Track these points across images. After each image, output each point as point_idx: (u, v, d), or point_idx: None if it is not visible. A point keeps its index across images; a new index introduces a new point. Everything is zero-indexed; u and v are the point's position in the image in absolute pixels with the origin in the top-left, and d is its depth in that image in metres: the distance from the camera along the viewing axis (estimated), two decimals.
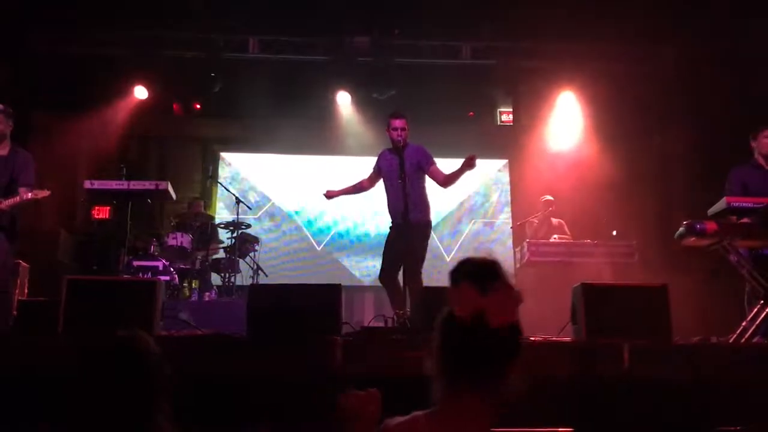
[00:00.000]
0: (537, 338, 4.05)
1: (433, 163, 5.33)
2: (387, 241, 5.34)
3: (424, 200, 5.30)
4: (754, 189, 4.98)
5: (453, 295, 1.45)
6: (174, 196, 5.57)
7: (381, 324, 4.75)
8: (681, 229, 4.53)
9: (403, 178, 4.91)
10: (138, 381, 1.62)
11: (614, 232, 7.86)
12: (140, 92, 8.78)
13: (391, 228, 5.35)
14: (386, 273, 5.22)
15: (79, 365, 1.65)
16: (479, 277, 1.43)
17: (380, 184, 5.53)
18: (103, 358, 1.65)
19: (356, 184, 5.65)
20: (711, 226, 4.41)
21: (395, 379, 3.42)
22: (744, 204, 4.59)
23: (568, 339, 4.11)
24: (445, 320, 1.45)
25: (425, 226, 5.25)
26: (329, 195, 5.60)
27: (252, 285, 5.75)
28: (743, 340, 4.20)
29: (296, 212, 9.67)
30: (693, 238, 4.48)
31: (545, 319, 7.00)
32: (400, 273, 5.01)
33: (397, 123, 5.21)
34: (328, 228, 9.64)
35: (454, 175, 5.22)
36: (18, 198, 4.79)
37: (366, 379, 3.41)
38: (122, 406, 1.59)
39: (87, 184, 5.22)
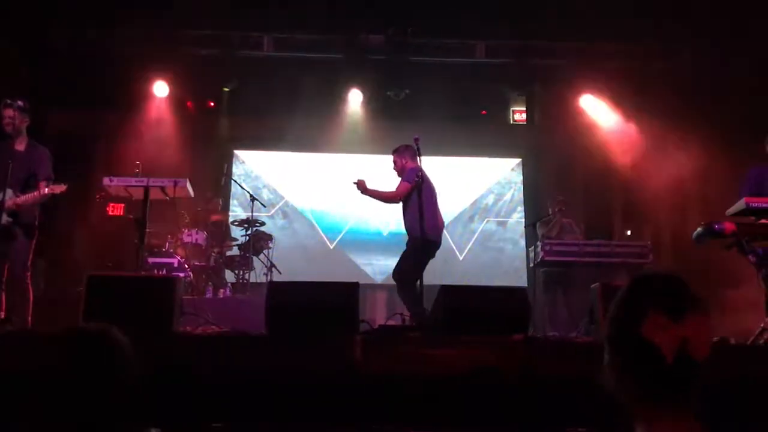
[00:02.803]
0: (554, 335, 4.04)
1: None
2: (427, 257, 5.44)
3: None
4: None
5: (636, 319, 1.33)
6: (192, 193, 5.57)
7: (398, 322, 4.75)
8: (699, 229, 4.50)
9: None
10: (101, 378, 1.54)
11: (628, 232, 7.83)
12: (155, 90, 8.82)
13: (432, 244, 5.43)
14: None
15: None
16: (669, 302, 1.31)
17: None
18: (67, 351, 1.57)
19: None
20: (730, 226, 4.40)
21: (415, 377, 3.44)
22: (763, 204, 4.54)
23: (587, 339, 4.10)
24: (634, 347, 1.32)
25: None
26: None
27: (271, 283, 5.75)
28: (762, 341, 4.18)
29: (309, 210, 9.67)
30: (711, 239, 4.46)
31: (559, 319, 7.04)
32: None
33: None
34: (341, 226, 9.63)
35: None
36: (36, 193, 4.80)
37: (386, 376, 3.43)
38: (84, 404, 1.51)
39: (106, 181, 5.22)
